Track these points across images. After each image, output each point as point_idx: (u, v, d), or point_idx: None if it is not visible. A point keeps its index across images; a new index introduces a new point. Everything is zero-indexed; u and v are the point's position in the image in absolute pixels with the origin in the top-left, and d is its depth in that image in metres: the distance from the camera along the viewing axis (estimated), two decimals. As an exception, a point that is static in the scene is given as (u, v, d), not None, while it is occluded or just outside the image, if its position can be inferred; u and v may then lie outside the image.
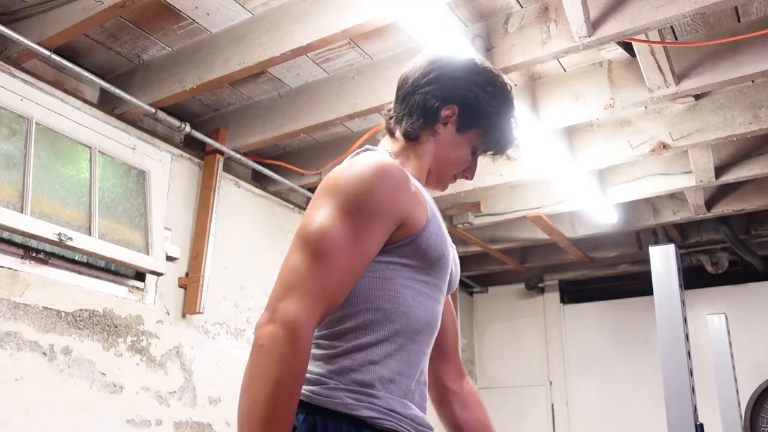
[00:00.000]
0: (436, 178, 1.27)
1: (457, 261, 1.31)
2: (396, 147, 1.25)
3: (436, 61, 1.25)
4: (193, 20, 3.03)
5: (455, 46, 2.78)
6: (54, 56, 2.91)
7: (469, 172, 1.29)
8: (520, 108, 3.30)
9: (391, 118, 1.26)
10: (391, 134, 1.27)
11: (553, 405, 6.38)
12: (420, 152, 1.23)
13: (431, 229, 1.12)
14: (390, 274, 1.09)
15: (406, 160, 1.23)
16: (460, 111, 1.21)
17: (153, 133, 3.60)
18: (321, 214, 1.03)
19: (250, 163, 4.00)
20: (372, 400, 1.04)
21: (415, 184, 1.14)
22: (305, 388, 1.08)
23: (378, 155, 1.13)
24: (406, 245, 1.09)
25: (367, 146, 1.23)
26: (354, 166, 1.09)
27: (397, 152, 1.24)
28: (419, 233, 1.09)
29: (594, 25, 2.65)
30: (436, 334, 1.19)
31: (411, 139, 1.23)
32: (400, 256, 1.09)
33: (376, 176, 1.06)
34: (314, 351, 1.12)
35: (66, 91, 3.15)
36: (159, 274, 3.35)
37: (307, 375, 1.10)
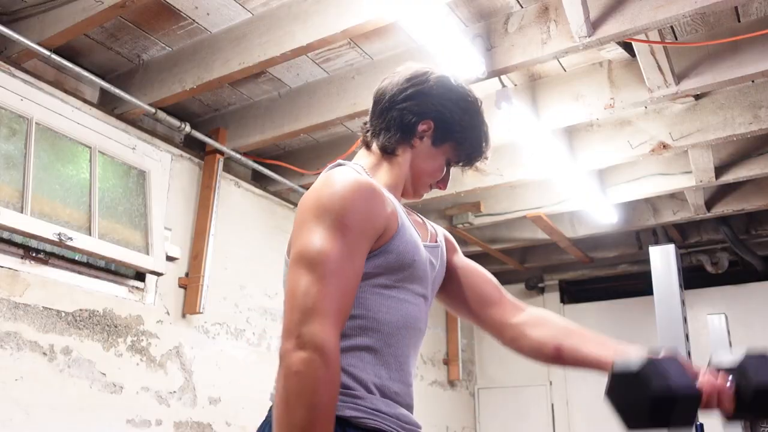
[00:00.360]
0: (413, 188, 1.32)
1: (444, 260, 1.34)
2: (371, 160, 1.30)
3: (412, 77, 1.29)
4: (193, 20, 3.03)
5: (455, 46, 2.78)
6: (54, 56, 2.91)
7: (443, 183, 1.34)
8: (519, 108, 3.30)
9: (368, 131, 1.32)
10: (368, 147, 1.32)
11: (553, 405, 6.38)
12: (396, 164, 1.28)
13: (401, 237, 1.16)
14: (360, 284, 1.12)
15: (382, 172, 1.28)
16: (435, 125, 1.27)
17: (153, 133, 3.59)
18: (316, 236, 1.06)
19: (250, 163, 4.00)
20: (356, 401, 1.07)
21: (387, 196, 1.18)
22: None
23: (353, 172, 1.16)
24: (377, 255, 1.13)
25: (339, 161, 1.26)
26: (333, 185, 1.11)
27: (372, 165, 1.28)
28: (389, 242, 1.14)
29: (594, 25, 2.65)
30: (419, 335, 1.21)
31: (388, 152, 1.28)
32: (370, 266, 1.13)
33: (358, 194, 1.10)
34: None
35: (66, 91, 3.15)
36: (159, 274, 3.35)
37: None
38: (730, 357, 1.07)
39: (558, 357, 1.27)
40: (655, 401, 1.00)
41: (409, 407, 1.19)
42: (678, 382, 1.01)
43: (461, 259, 1.40)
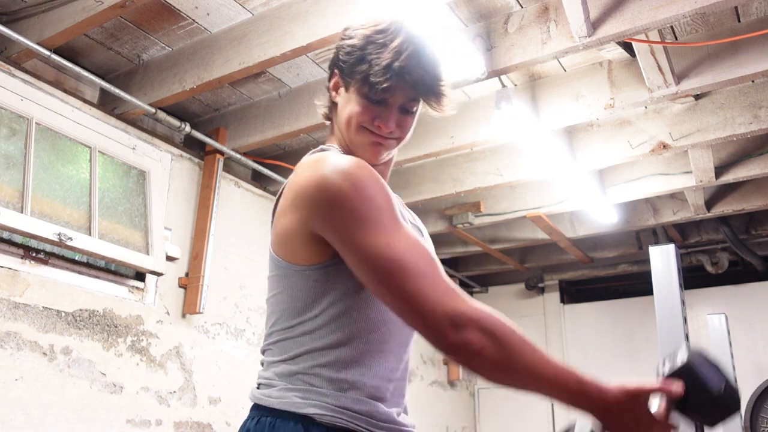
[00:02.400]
0: (354, 138, 1.19)
1: (429, 242, 1.29)
2: (331, 138, 1.27)
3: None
4: (193, 20, 3.03)
5: (455, 46, 2.78)
6: (54, 56, 2.91)
7: (380, 121, 1.15)
8: (519, 108, 3.29)
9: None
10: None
11: (553, 405, 6.38)
12: (335, 130, 1.25)
13: None
14: (334, 279, 1.09)
15: (338, 146, 1.23)
16: (339, 72, 1.22)
17: (153, 133, 3.59)
18: (375, 233, 1.01)
19: (250, 163, 4.00)
20: (321, 398, 1.06)
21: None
22: (260, 392, 1.12)
23: (337, 156, 1.12)
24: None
25: (322, 147, 1.23)
26: (342, 169, 1.06)
27: (331, 140, 1.26)
28: None
29: (594, 25, 2.65)
30: (405, 329, 1.17)
31: (328, 119, 1.28)
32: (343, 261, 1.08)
33: (368, 172, 1.08)
34: (268, 358, 1.15)
35: (66, 91, 3.15)
36: (159, 274, 3.35)
37: (263, 380, 1.14)
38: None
39: None
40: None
41: (396, 404, 1.15)
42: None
43: None
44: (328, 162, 1.08)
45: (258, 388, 1.15)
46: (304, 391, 1.07)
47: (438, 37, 2.73)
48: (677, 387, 0.99)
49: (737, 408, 1.02)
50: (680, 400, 1.00)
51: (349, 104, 1.18)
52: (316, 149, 1.21)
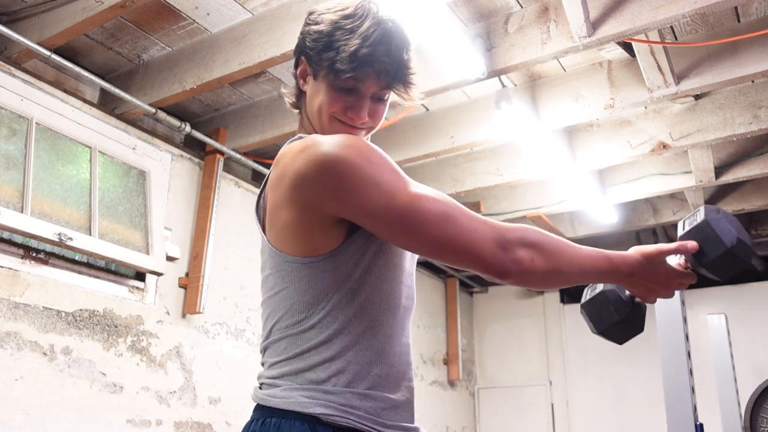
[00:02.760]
0: (326, 128, 1.15)
1: None
2: (301, 128, 1.23)
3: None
4: (193, 20, 3.03)
5: (455, 46, 2.78)
6: (54, 56, 2.91)
7: (352, 111, 1.13)
8: (519, 108, 3.30)
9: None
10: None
11: (553, 405, 6.38)
12: (305, 121, 1.22)
13: None
14: (340, 267, 1.07)
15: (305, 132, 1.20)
16: (306, 59, 1.17)
17: (153, 133, 3.60)
18: (390, 186, 1.00)
19: (250, 163, 4.00)
20: (327, 396, 1.03)
21: None
22: (263, 393, 1.09)
23: (320, 136, 1.09)
24: (359, 229, 1.07)
25: (300, 135, 1.18)
26: (328, 140, 1.03)
27: (301, 130, 1.22)
28: None
29: (594, 25, 2.65)
30: (405, 314, 1.15)
31: (296, 108, 1.24)
32: (352, 243, 1.07)
33: (358, 140, 1.06)
34: (270, 358, 1.12)
35: (66, 91, 3.15)
36: (159, 274, 3.35)
37: (266, 380, 1.11)
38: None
39: None
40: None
41: (406, 388, 1.13)
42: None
43: None
44: (321, 142, 1.03)
45: (260, 388, 1.12)
46: (310, 390, 1.04)
47: (438, 37, 2.74)
48: (691, 245, 1.13)
49: (748, 261, 1.11)
50: (696, 257, 1.13)
51: (318, 94, 1.14)
52: (293, 138, 1.15)
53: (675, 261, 1.16)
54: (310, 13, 1.18)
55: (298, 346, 1.07)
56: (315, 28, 1.13)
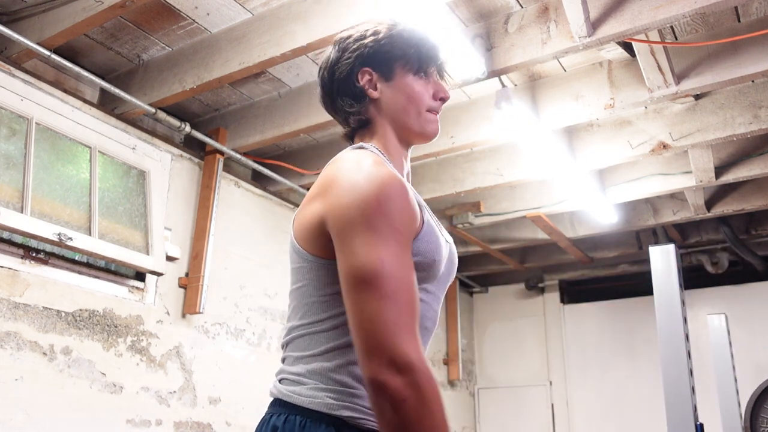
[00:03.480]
0: (416, 125, 1.24)
1: (454, 256, 1.28)
2: (370, 137, 1.25)
3: (322, 66, 1.28)
4: (193, 20, 3.03)
5: (455, 46, 2.78)
6: (54, 56, 2.91)
7: (437, 92, 1.26)
8: (519, 108, 3.30)
9: (345, 129, 1.29)
10: (352, 139, 1.28)
11: (553, 405, 6.38)
12: (378, 127, 1.24)
13: (425, 235, 1.10)
14: None
15: (379, 146, 1.22)
16: (372, 67, 1.23)
17: (153, 133, 3.60)
18: (371, 246, 0.99)
19: (250, 163, 4.00)
20: (353, 399, 1.04)
21: (409, 186, 1.13)
22: (287, 389, 1.09)
23: (381, 160, 1.11)
24: None
25: (362, 144, 1.21)
26: (374, 179, 1.04)
27: (369, 139, 1.24)
28: (414, 241, 1.08)
29: (594, 25, 2.65)
30: (427, 336, 1.16)
31: (364, 125, 1.25)
32: None
33: (400, 193, 1.05)
34: (294, 353, 1.12)
35: (66, 91, 3.15)
36: (159, 274, 3.35)
37: (288, 376, 1.10)
38: None
39: None
40: None
41: None
42: None
43: None
44: (364, 163, 1.07)
45: (281, 382, 1.11)
46: (336, 392, 1.04)
47: (438, 37, 2.73)
48: None
49: None
50: None
51: (402, 92, 1.22)
52: (356, 146, 1.19)
53: None
54: (346, 37, 1.26)
55: (322, 344, 1.08)
56: (377, 38, 1.23)
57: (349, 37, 1.25)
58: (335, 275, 1.06)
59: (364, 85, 1.23)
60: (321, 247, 1.08)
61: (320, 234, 1.08)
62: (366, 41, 1.23)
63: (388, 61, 1.22)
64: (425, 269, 1.10)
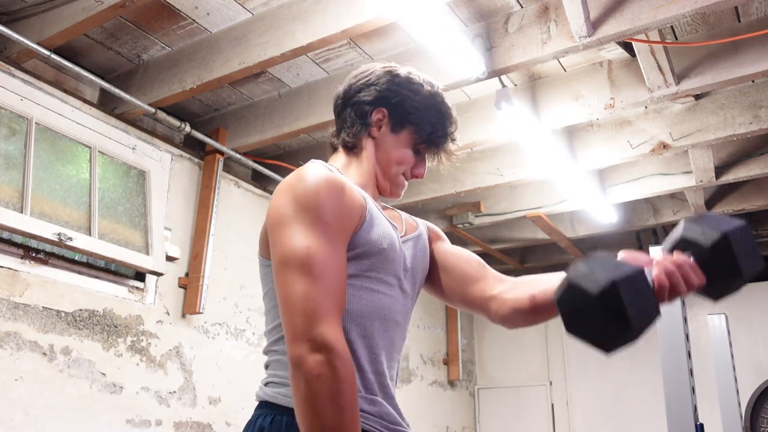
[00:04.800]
0: (386, 181, 1.31)
1: (426, 249, 1.33)
2: (341, 160, 1.31)
3: (359, 74, 1.32)
4: (193, 20, 3.03)
5: (455, 46, 2.78)
6: (54, 56, 2.91)
7: (416, 170, 1.33)
8: (519, 108, 3.30)
9: (333, 135, 1.36)
10: (335, 149, 1.35)
11: (553, 405, 6.38)
12: (362, 159, 1.29)
13: (368, 227, 1.15)
14: None
15: (352, 170, 1.28)
16: (389, 112, 1.28)
17: (153, 133, 3.59)
18: (299, 235, 1.06)
19: (250, 163, 4.00)
20: None
21: (358, 190, 1.19)
22: (272, 390, 1.12)
23: (324, 168, 1.18)
24: (348, 246, 1.13)
25: (313, 159, 1.26)
26: (306, 180, 1.11)
27: (343, 165, 1.30)
28: (357, 233, 1.14)
29: (594, 25, 2.65)
30: (394, 327, 1.19)
31: (350, 147, 1.31)
32: None
33: (331, 189, 1.11)
34: (274, 357, 1.16)
35: (66, 91, 3.15)
36: (159, 274, 3.35)
37: (273, 379, 1.14)
38: (672, 234, 1.00)
39: (534, 306, 1.18)
40: (600, 294, 0.91)
41: (392, 398, 1.16)
42: (609, 267, 0.94)
43: (444, 246, 1.38)
44: (302, 171, 1.15)
45: (266, 386, 1.15)
46: None
47: (438, 37, 2.73)
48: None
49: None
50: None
51: (397, 148, 1.28)
52: (314, 160, 1.24)
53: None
54: (389, 67, 1.30)
55: None
56: (413, 93, 1.28)
57: (397, 72, 1.30)
58: None
59: (372, 121, 1.28)
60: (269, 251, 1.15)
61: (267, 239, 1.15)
62: (406, 89, 1.28)
63: (405, 119, 1.28)
64: (372, 256, 1.16)
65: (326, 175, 1.13)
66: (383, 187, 1.31)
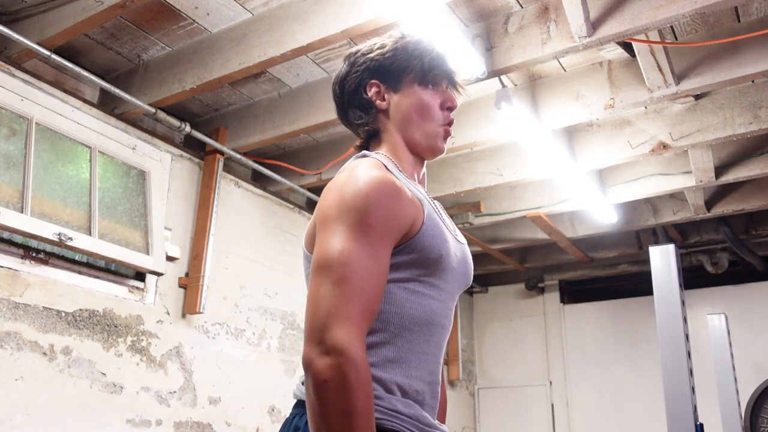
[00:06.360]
0: (421, 138, 1.27)
1: (468, 257, 1.30)
2: (381, 147, 1.29)
3: (335, 79, 1.33)
4: (193, 20, 3.03)
5: (455, 46, 2.78)
6: (54, 56, 2.91)
7: (445, 103, 1.29)
8: (519, 108, 3.30)
9: (358, 139, 1.34)
10: (360, 148, 1.33)
11: (553, 405, 6.38)
12: (388, 138, 1.28)
13: (427, 231, 1.13)
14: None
15: (389, 152, 1.27)
16: (379, 79, 1.27)
17: (153, 133, 3.60)
18: (337, 237, 1.04)
19: (250, 163, 4.00)
20: (375, 400, 1.05)
21: (410, 188, 1.16)
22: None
23: (377, 167, 1.15)
24: (401, 250, 1.11)
25: (365, 152, 1.26)
26: (357, 181, 1.10)
27: (386, 151, 1.28)
28: (414, 237, 1.12)
29: (594, 25, 2.65)
30: (443, 333, 1.19)
31: (374, 136, 1.30)
32: (393, 261, 1.10)
33: (382, 192, 1.09)
34: None
35: (66, 91, 3.15)
36: (159, 274, 3.35)
37: None
38: None
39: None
40: None
41: (432, 407, 1.16)
42: None
43: None
44: (356, 169, 1.13)
45: (303, 383, 1.13)
46: None
47: (438, 37, 2.73)
48: None
49: None
50: None
51: (411, 99, 1.26)
52: (359, 155, 1.24)
53: None
54: (355, 52, 1.30)
55: None
56: (382, 51, 1.27)
57: (357, 51, 1.30)
58: None
59: (372, 97, 1.27)
60: None
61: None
62: (372, 54, 1.27)
63: (395, 72, 1.26)
64: (431, 265, 1.14)
65: (380, 176, 1.10)
66: (423, 148, 1.28)
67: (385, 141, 1.28)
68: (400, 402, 1.08)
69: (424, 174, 1.33)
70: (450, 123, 1.30)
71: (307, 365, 0.97)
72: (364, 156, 1.23)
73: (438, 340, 1.17)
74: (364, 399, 0.95)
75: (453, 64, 1.30)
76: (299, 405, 1.12)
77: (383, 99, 1.27)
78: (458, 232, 1.31)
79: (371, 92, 1.27)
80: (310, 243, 1.17)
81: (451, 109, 1.29)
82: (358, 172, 1.12)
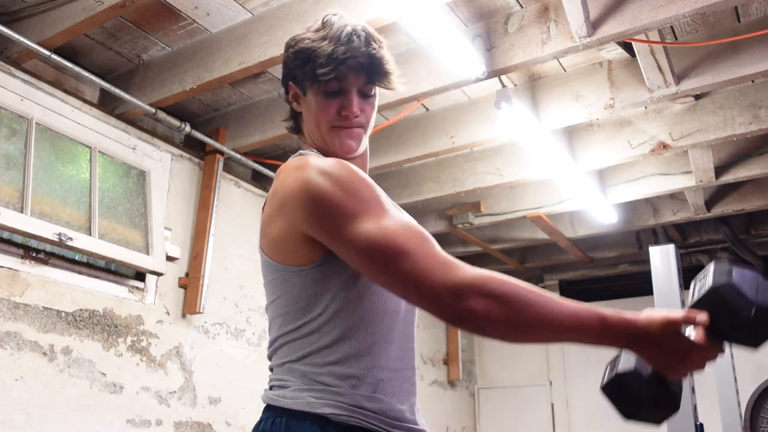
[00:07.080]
0: (325, 146, 1.21)
1: None
2: (306, 146, 1.28)
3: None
4: (193, 20, 3.03)
5: (455, 46, 2.78)
6: (54, 56, 2.91)
7: (344, 109, 1.18)
8: (519, 108, 3.29)
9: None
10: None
11: (553, 405, 6.38)
12: (311, 140, 1.26)
13: None
14: (330, 275, 1.10)
15: (314, 149, 1.24)
16: (292, 82, 1.25)
17: (153, 133, 3.59)
18: (364, 224, 1.01)
19: (250, 163, 4.00)
20: (336, 397, 1.06)
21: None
22: (274, 393, 1.12)
23: (319, 156, 1.16)
24: None
25: (301, 151, 1.24)
26: (326, 169, 1.07)
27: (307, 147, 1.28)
28: None
29: (594, 25, 2.65)
30: (406, 319, 1.18)
31: (298, 131, 1.29)
32: (336, 256, 1.09)
33: (349, 167, 1.10)
34: (278, 361, 1.15)
35: (66, 91, 3.15)
36: (159, 274, 3.35)
37: (275, 382, 1.13)
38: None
39: None
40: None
41: (408, 393, 1.15)
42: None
43: None
44: (309, 165, 1.10)
45: (270, 389, 1.14)
46: (318, 391, 1.07)
47: (438, 37, 2.74)
48: (701, 317, 0.94)
49: None
50: (713, 327, 0.93)
51: (312, 106, 1.21)
52: (296, 154, 1.21)
53: (691, 329, 0.96)
54: (287, 44, 1.26)
55: (302, 349, 1.11)
56: (292, 51, 1.22)
57: (287, 44, 1.26)
58: (307, 282, 1.10)
59: (291, 99, 1.27)
60: (292, 255, 1.11)
61: (292, 241, 1.10)
62: (288, 53, 1.24)
63: (299, 76, 1.21)
64: None
65: (336, 159, 1.12)
66: (333, 149, 1.20)
67: (309, 141, 1.27)
68: (364, 397, 1.07)
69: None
70: (350, 124, 1.19)
71: (467, 319, 0.95)
72: (302, 155, 1.19)
73: (402, 328, 1.17)
74: (526, 293, 0.97)
75: (367, 58, 1.18)
76: (266, 409, 1.12)
77: (297, 102, 1.26)
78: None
79: (291, 95, 1.26)
80: (277, 253, 1.13)
81: (346, 117, 1.18)
82: (318, 163, 1.09)
